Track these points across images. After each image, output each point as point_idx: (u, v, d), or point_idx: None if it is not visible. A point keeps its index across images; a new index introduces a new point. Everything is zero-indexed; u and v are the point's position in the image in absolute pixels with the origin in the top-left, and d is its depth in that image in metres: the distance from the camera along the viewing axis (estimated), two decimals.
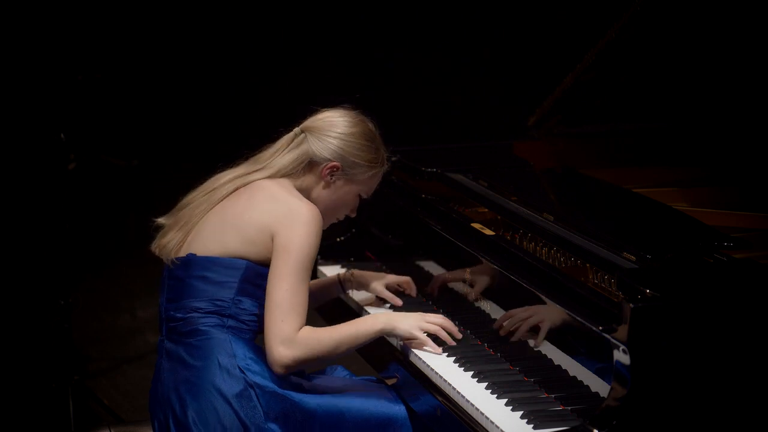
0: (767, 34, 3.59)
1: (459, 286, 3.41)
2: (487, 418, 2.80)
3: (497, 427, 2.77)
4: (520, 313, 3.06)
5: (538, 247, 3.23)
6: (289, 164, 3.20)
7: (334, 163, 3.20)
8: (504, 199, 3.51)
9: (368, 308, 3.52)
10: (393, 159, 3.35)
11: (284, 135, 3.25)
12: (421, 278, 3.60)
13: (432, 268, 3.60)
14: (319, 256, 3.78)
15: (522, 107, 4.20)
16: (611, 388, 2.64)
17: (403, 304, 3.49)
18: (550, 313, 2.93)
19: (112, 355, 5.40)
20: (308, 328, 3.04)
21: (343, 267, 3.82)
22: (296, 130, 3.24)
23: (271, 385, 3.04)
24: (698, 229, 3.13)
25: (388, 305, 3.52)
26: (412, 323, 3.15)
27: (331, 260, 3.88)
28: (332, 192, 3.23)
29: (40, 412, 4.75)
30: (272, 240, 3.07)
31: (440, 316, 3.21)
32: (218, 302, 3.09)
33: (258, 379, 3.04)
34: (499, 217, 3.47)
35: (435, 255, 3.58)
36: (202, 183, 3.26)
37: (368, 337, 3.12)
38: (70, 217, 4.62)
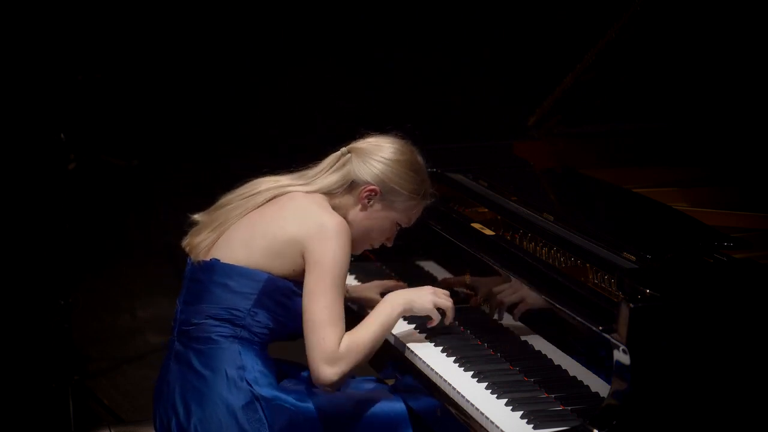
0: (767, 34, 3.59)
1: (459, 286, 3.41)
2: (487, 418, 2.80)
3: (497, 427, 2.77)
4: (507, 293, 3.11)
5: (538, 247, 3.24)
6: (332, 184, 3.19)
7: (373, 187, 3.17)
8: (504, 199, 3.51)
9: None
10: (435, 194, 3.32)
11: (331, 153, 3.24)
12: (421, 278, 3.60)
13: (432, 268, 3.60)
14: None
15: (522, 107, 4.20)
16: (611, 388, 2.64)
17: None
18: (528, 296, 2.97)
19: (112, 355, 5.40)
20: (346, 337, 3.03)
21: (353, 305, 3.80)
22: (343, 149, 3.23)
23: (277, 398, 3.04)
24: (698, 229, 3.13)
25: None
26: (427, 299, 3.16)
27: None
28: (368, 215, 3.20)
29: (40, 412, 4.74)
30: (301, 255, 3.05)
31: (446, 293, 3.21)
32: (234, 311, 3.08)
33: (264, 392, 3.03)
34: (499, 217, 3.47)
35: (435, 255, 3.58)
36: (242, 184, 3.24)
37: (394, 323, 3.14)
38: (70, 217, 4.62)
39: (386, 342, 3.28)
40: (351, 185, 3.19)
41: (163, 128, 7.80)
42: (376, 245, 3.30)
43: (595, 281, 2.97)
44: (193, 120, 7.81)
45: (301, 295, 3.05)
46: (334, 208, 3.17)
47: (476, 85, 8.16)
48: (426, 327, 3.28)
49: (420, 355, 3.16)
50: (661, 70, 3.80)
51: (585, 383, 2.82)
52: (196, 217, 3.22)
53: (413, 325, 3.35)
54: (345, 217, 3.16)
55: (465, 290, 3.38)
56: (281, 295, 3.09)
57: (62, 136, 4.53)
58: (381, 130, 3.29)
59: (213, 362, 3.06)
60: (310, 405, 3.07)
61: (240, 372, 3.04)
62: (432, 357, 3.13)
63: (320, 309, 3.00)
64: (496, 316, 3.21)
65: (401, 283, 3.55)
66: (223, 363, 3.05)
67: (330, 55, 8.31)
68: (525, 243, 3.28)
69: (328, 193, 3.18)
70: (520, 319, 3.10)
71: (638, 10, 3.49)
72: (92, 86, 5.13)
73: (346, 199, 3.20)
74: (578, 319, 2.79)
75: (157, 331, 5.49)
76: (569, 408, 2.82)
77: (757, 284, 2.79)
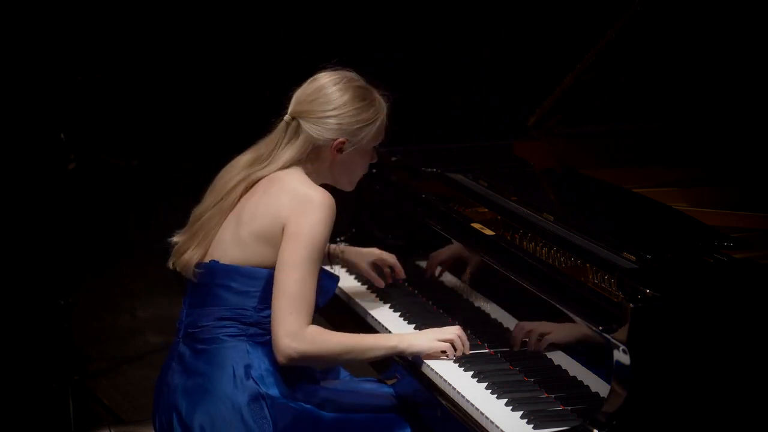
0: (767, 34, 3.59)
1: (459, 286, 3.41)
2: (487, 418, 2.80)
3: (497, 427, 2.77)
4: (532, 328, 3.04)
5: (538, 247, 3.23)
6: (295, 156, 3.11)
7: (340, 140, 3.11)
8: (504, 199, 3.51)
9: (357, 300, 3.55)
10: (388, 96, 3.24)
11: (277, 124, 3.16)
12: (421, 278, 3.60)
13: None
14: None
15: (522, 107, 4.20)
16: (611, 388, 2.64)
17: (403, 302, 3.49)
18: (559, 326, 2.92)
19: (112, 355, 5.40)
20: (317, 328, 3.00)
21: (342, 267, 3.82)
22: (286, 118, 3.14)
23: (282, 397, 3.02)
24: (698, 229, 3.13)
25: (376, 294, 3.57)
26: (423, 341, 3.10)
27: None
28: (347, 162, 3.15)
29: (40, 412, 4.74)
30: (283, 231, 3.02)
31: (456, 327, 3.15)
32: (241, 311, 3.06)
33: (270, 391, 3.02)
34: (499, 217, 3.47)
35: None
36: (208, 187, 3.19)
37: (379, 352, 3.08)
38: (70, 217, 4.61)
39: None
40: (315, 148, 3.12)
41: (163, 128, 7.80)
42: (366, 170, 3.24)
43: (595, 281, 2.97)
44: (193, 120, 7.80)
45: None
46: (315, 173, 3.13)
47: (476, 85, 8.16)
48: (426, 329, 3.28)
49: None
50: (661, 70, 3.80)
51: (585, 383, 2.82)
52: (176, 238, 3.16)
53: (413, 325, 3.35)
54: (328, 176, 3.13)
55: (464, 288, 3.38)
56: None
57: (62, 136, 4.53)
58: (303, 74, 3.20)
59: (219, 360, 3.04)
60: (316, 409, 3.06)
61: (247, 369, 3.02)
62: (432, 357, 3.13)
63: (292, 282, 2.96)
64: (495, 316, 3.21)
65: (393, 259, 3.56)
66: (230, 360, 3.03)
67: (330, 55, 8.31)
68: (525, 243, 3.28)
69: (297, 163, 3.11)
70: (520, 320, 3.10)
71: (638, 10, 3.49)
72: (92, 86, 5.13)
73: (319, 161, 3.13)
74: (578, 319, 2.79)
75: (157, 331, 5.50)
76: (569, 408, 2.82)
77: (757, 284, 2.79)
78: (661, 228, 3.24)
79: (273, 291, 2.99)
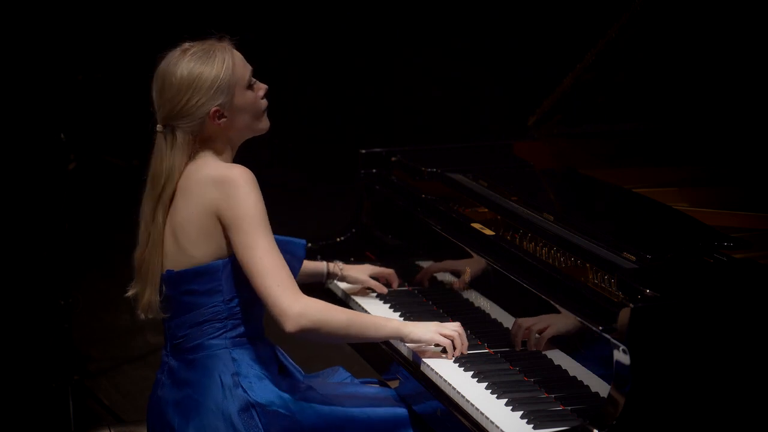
0: (767, 34, 3.59)
1: (458, 286, 3.42)
2: (487, 418, 2.80)
3: (497, 427, 2.77)
4: (530, 324, 3.05)
5: (538, 247, 3.24)
6: (184, 156, 3.00)
7: (213, 110, 2.98)
8: (504, 199, 3.51)
9: (355, 297, 3.56)
10: (223, 35, 3.08)
11: (155, 141, 3.05)
12: (422, 278, 3.61)
13: None
14: (319, 256, 3.78)
15: (522, 107, 4.20)
16: (611, 388, 2.64)
17: (402, 302, 3.50)
18: (557, 321, 2.92)
19: (112, 355, 5.40)
20: (319, 300, 2.99)
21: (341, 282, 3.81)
22: (158, 128, 3.03)
23: (273, 404, 3.00)
24: (698, 229, 3.13)
25: (375, 294, 3.57)
26: (426, 331, 3.08)
27: (331, 260, 3.87)
28: (237, 117, 3.03)
29: (40, 412, 4.75)
30: (221, 224, 2.96)
31: (457, 324, 3.14)
32: (212, 309, 3.02)
33: (260, 398, 2.99)
34: (499, 217, 3.47)
35: (435, 255, 3.58)
36: (136, 230, 3.13)
37: (382, 331, 3.06)
38: (70, 217, 4.62)
39: (386, 343, 3.28)
40: (197, 134, 3.01)
41: None
42: (264, 108, 3.10)
43: (595, 281, 2.97)
44: None
45: None
46: (220, 151, 3.04)
47: (476, 85, 8.16)
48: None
49: (420, 356, 3.15)
50: (661, 70, 3.80)
51: (585, 383, 2.82)
52: (131, 292, 3.11)
53: None
54: (229, 145, 3.05)
55: (463, 287, 3.38)
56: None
57: (62, 136, 4.53)
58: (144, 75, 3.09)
59: (207, 371, 3.01)
60: (310, 416, 3.03)
61: (235, 378, 2.99)
62: (432, 358, 3.13)
63: (258, 260, 2.91)
64: (495, 316, 3.21)
65: (391, 271, 3.58)
66: (216, 371, 3.00)
67: (330, 55, 8.31)
68: (525, 243, 3.28)
69: (194, 156, 3.02)
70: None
71: (638, 10, 3.49)
72: (92, 86, 5.13)
73: (216, 137, 3.03)
74: (578, 319, 2.79)
75: (157, 331, 5.48)
76: (569, 408, 2.82)
77: (757, 284, 2.80)
78: (661, 228, 3.24)
79: (250, 281, 2.94)
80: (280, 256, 2.95)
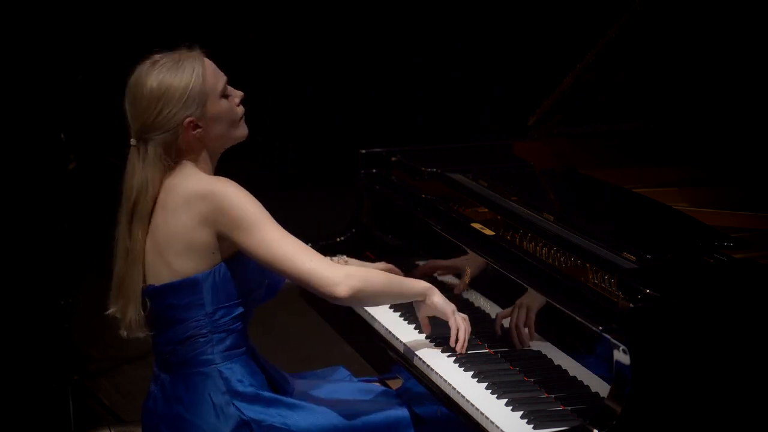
0: (767, 34, 3.59)
1: (459, 286, 3.41)
2: (488, 418, 2.80)
3: (497, 427, 2.77)
4: (515, 317, 3.07)
5: (538, 247, 3.24)
6: (157, 170, 2.96)
7: (187, 121, 2.94)
8: (504, 199, 3.51)
9: None
10: (192, 44, 3.04)
11: (129, 156, 3.01)
12: (421, 278, 3.60)
13: None
14: None
15: (522, 107, 4.20)
16: (611, 388, 2.64)
17: (403, 302, 3.49)
18: (533, 301, 2.95)
19: (112, 355, 5.40)
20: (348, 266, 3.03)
21: None
22: (132, 142, 2.97)
23: (267, 420, 2.97)
24: (698, 229, 3.13)
25: None
26: (448, 306, 3.10)
27: (334, 255, 3.88)
28: (213, 127, 2.99)
29: (40, 412, 4.75)
30: (214, 235, 2.92)
31: (466, 317, 3.15)
32: (194, 323, 2.98)
33: (253, 415, 2.96)
34: (499, 217, 3.47)
35: (435, 255, 3.58)
36: (114, 246, 3.07)
37: (412, 290, 3.09)
38: (70, 217, 4.61)
39: (387, 342, 3.28)
40: (171, 146, 2.95)
41: None
42: (240, 116, 3.06)
43: (595, 281, 2.97)
44: None
45: (243, 264, 2.96)
46: (198, 161, 3.00)
47: (476, 85, 8.16)
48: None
49: (420, 356, 3.15)
50: (661, 70, 3.80)
51: (585, 383, 2.82)
52: (112, 310, 3.08)
53: (413, 325, 3.36)
54: (207, 156, 3.01)
55: (463, 287, 3.38)
56: (225, 280, 2.97)
57: (62, 136, 4.53)
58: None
59: (197, 390, 2.98)
60: (306, 426, 3.00)
61: (226, 397, 2.96)
62: (432, 357, 3.13)
63: (277, 248, 2.89)
64: (495, 316, 3.21)
65: (391, 267, 3.57)
66: (207, 390, 2.97)
67: (330, 56, 8.31)
68: (525, 243, 3.28)
69: (171, 169, 2.97)
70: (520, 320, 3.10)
71: (638, 10, 3.49)
72: (92, 86, 5.13)
73: (193, 148, 2.98)
74: (578, 319, 2.79)
75: None
76: (569, 408, 2.82)
77: (757, 284, 2.79)
78: (661, 228, 3.24)
79: (281, 270, 2.92)
80: (294, 237, 2.94)
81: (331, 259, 3.54)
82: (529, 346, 3.05)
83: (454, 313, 3.11)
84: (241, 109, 3.08)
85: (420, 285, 3.12)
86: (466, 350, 3.14)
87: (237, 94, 3.08)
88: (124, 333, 3.08)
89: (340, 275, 2.91)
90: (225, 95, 3.04)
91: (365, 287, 2.95)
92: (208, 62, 3.03)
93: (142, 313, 3.02)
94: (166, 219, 2.97)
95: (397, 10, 8.27)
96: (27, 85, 6.51)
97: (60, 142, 4.53)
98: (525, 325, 3.03)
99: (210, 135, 3.01)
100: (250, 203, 2.92)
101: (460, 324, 3.11)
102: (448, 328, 3.20)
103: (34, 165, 5.95)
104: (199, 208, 2.93)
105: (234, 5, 8.04)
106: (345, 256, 3.60)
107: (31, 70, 6.64)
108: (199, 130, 2.98)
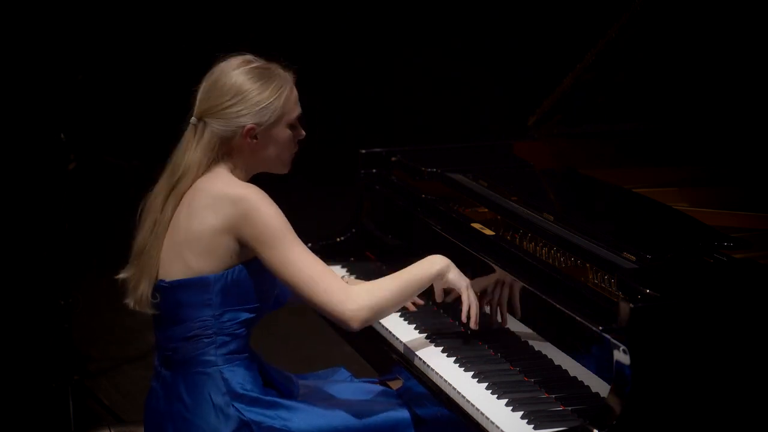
0: (767, 34, 3.59)
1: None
2: (488, 418, 2.80)
3: (497, 427, 2.77)
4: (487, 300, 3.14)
5: (538, 247, 3.24)
6: (203, 157, 3.00)
7: (249, 126, 2.99)
8: (504, 199, 3.51)
9: None
10: (290, 66, 3.12)
11: (185, 131, 3.07)
12: None
13: None
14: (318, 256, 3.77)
15: (522, 107, 4.20)
16: (611, 388, 2.64)
17: None
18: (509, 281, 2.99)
19: (112, 355, 5.40)
20: (362, 284, 3.02)
21: (343, 267, 3.82)
22: (192, 120, 3.05)
23: (267, 421, 2.97)
24: (698, 229, 3.13)
25: None
26: (464, 278, 3.10)
27: (331, 260, 3.87)
28: (267, 145, 3.04)
29: (40, 412, 4.75)
30: (236, 240, 2.93)
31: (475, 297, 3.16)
32: (200, 323, 2.98)
33: (253, 416, 2.96)
34: (499, 217, 3.47)
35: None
36: (139, 215, 3.11)
37: (429, 279, 3.08)
38: (70, 217, 4.61)
39: (387, 343, 3.28)
40: (225, 143, 3.00)
41: (163, 128, 7.80)
42: (296, 149, 3.12)
43: (595, 281, 2.97)
44: None
45: (256, 272, 2.97)
46: (236, 169, 3.03)
47: (476, 85, 8.16)
48: (427, 329, 3.28)
49: (420, 356, 3.15)
50: (661, 70, 3.80)
51: (585, 383, 2.82)
52: (123, 275, 3.07)
53: (413, 326, 3.36)
54: (255, 167, 3.05)
55: None
56: (236, 284, 2.97)
57: (62, 136, 4.53)
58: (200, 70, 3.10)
59: (198, 390, 2.98)
60: (301, 422, 3.00)
61: (226, 398, 2.96)
62: (432, 358, 3.13)
63: (298, 271, 2.91)
64: (496, 317, 3.21)
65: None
66: (207, 390, 2.97)
67: (330, 56, 8.31)
68: (525, 243, 3.28)
69: (211, 165, 3.01)
70: (520, 320, 3.10)
71: (638, 10, 3.49)
72: (92, 86, 5.13)
73: (238, 154, 3.02)
74: (578, 319, 2.79)
75: None
76: (569, 408, 2.82)
77: (757, 284, 2.79)
78: (661, 228, 3.24)
79: (297, 293, 2.95)
80: (316, 258, 2.96)
81: (340, 269, 3.53)
82: (507, 326, 3.09)
83: (467, 288, 3.11)
84: (296, 147, 3.12)
85: (434, 268, 3.09)
86: (467, 350, 3.14)
87: (301, 133, 3.12)
88: (131, 303, 3.07)
89: (351, 311, 2.92)
90: (292, 126, 3.08)
91: (379, 310, 2.98)
92: (294, 90, 3.08)
93: (151, 292, 3.01)
94: (190, 218, 2.99)
95: (397, 10, 8.27)
96: (27, 85, 6.51)
97: (60, 142, 4.53)
98: (498, 303, 3.08)
99: (260, 151, 3.04)
100: (277, 217, 2.94)
101: (472, 300, 3.11)
102: (447, 324, 3.22)
103: (34, 165, 5.94)
104: (225, 211, 2.94)
105: (234, 5, 8.04)
106: (347, 276, 3.57)
107: (31, 70, 6.63)
108: (254, 141, 3.01)
